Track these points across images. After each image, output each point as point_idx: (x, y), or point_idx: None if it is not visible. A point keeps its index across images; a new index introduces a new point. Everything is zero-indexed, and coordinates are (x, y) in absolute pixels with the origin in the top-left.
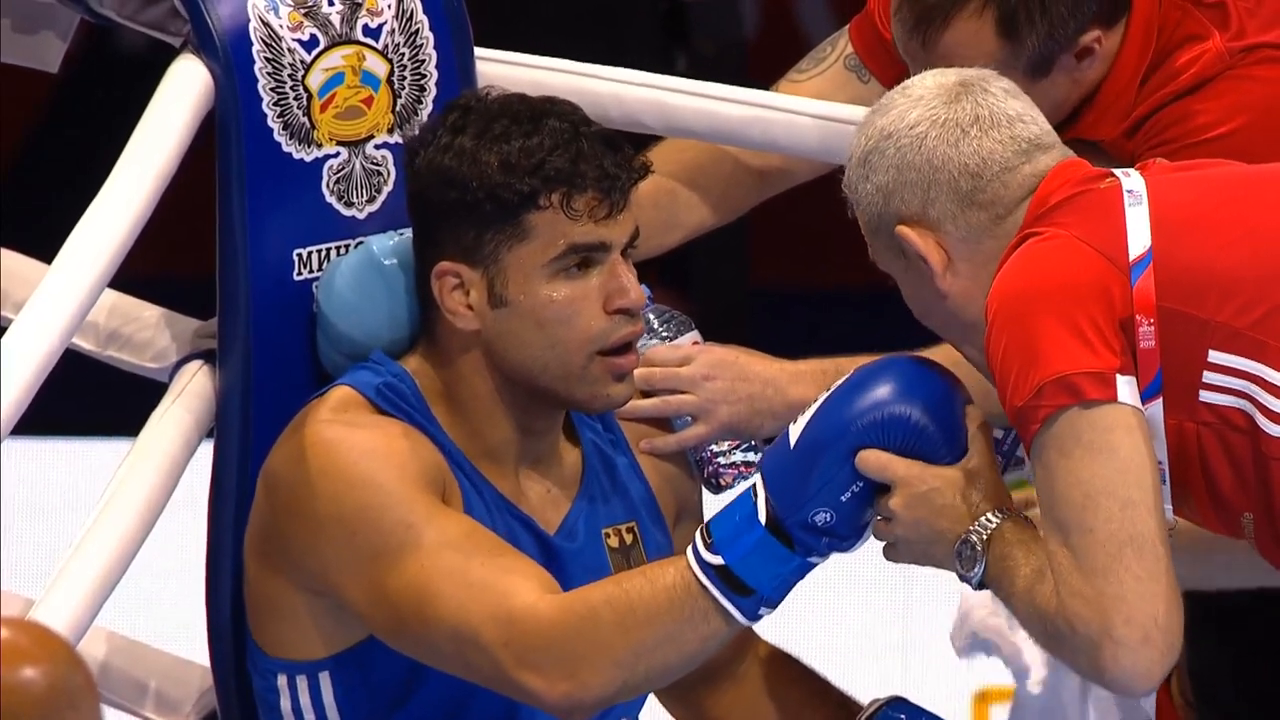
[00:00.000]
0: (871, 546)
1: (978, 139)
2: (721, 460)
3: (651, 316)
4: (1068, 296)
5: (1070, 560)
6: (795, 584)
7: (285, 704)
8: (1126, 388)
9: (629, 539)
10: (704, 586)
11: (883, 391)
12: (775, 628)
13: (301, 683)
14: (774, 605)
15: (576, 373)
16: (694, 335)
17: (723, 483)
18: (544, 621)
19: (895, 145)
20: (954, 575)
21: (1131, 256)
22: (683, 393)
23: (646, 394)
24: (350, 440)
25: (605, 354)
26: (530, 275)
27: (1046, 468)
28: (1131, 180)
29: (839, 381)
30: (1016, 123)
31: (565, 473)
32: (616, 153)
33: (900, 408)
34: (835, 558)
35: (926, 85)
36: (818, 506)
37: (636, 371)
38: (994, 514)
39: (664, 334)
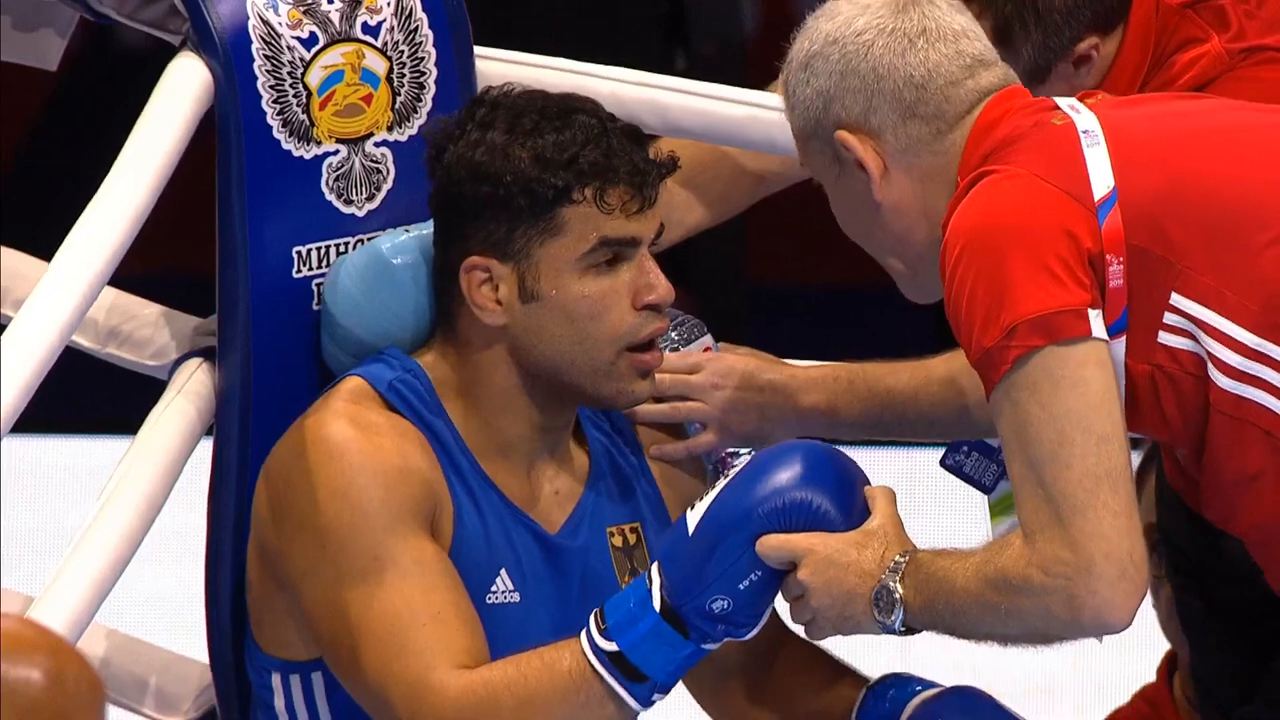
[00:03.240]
0: None
1: (924, 50)
2: (736, 462)
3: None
4: (1034, 234)
5: (1044, 505)
6: (688, 669)
7: (279, 702)
8: (1098, 322)
9: (632, 539)
10: (598, 672)
11: (783, 478)
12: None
13: (295, 682)
14: (667, 691)
15: (604, 368)
16: (706, 340)
17: None
18: (447, 701)
19: (840, 51)
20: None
21: (1097, 196)
22: (693, 400)
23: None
24: (347, 446)
25: (632, 350)
26: (562, 270)
27: (1016, 405)
28: (1084, 118)
29: (736, 469)
30: (962, 38)
31: (574, 473)
32: (644, 147)
33: (801, 493)
34: None
35: None
36: (716, 594)
37: None
38: (901, 555)
39: (676, 339)
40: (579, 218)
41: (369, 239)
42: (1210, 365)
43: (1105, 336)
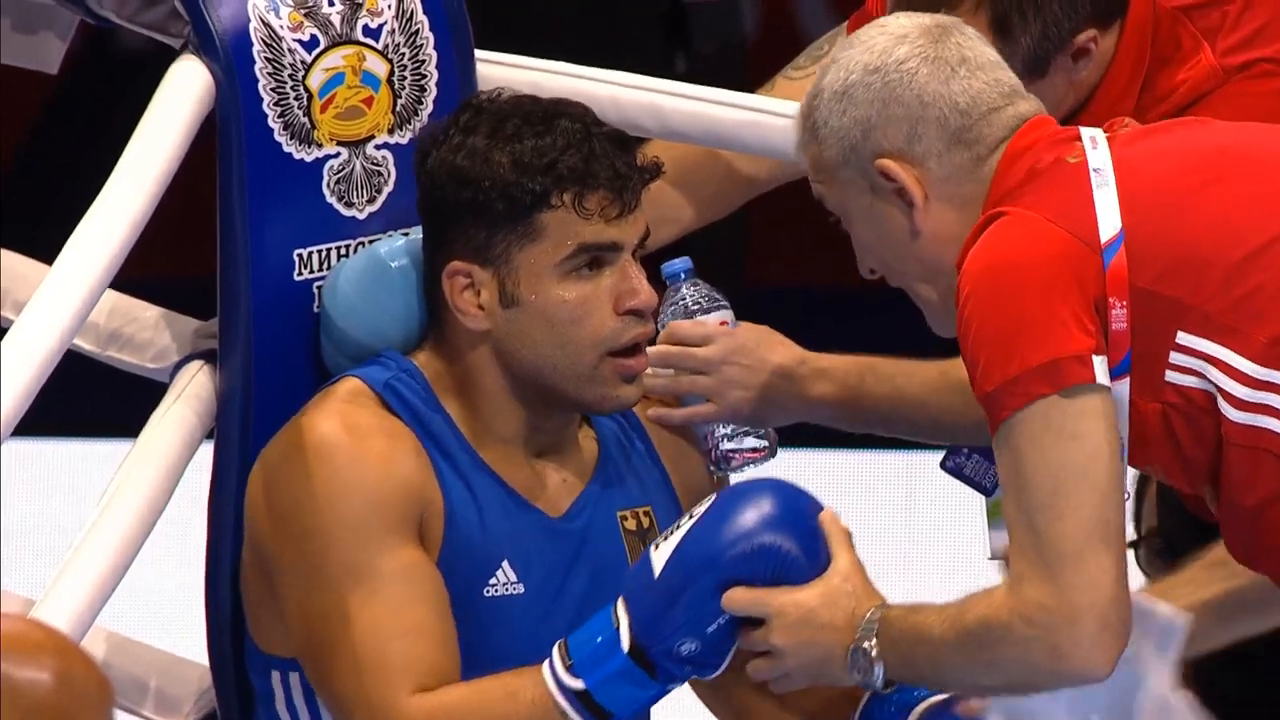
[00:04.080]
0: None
1: (966, 79)
2: (728, 445)
3: (685, 289)
4: (1042, 278)
5: (1032, 552)
6: (649, 707)
7: (280, 701)
8: (1101, 368)
9: (645, 522)
10: (560, 708)
11: (750, 520)
12: None
13: (294, 680)
14: None
15: (586, 373)
16: (724, 314)
17: (732, 464)
18: None
19: (883, 79)
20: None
21: (1104, 239)
22: (700, 372)
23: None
24: (336, 451)
25: (615, 355)
26: (541, 275)
27: (1015, 452)
28: (1098, 154)
29: (702, 508)
30: (998, 68)
31: (582, 460)
32: (627, 152)
33: (769, 537)
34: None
35: (905, 24)
36: (684, 637)
37: (656, 348)
38: (874, 610)
39: (693, 308)
40: (558, 223)
41: (370, 242)
42: (1220, 400)
43: (1108, 383)
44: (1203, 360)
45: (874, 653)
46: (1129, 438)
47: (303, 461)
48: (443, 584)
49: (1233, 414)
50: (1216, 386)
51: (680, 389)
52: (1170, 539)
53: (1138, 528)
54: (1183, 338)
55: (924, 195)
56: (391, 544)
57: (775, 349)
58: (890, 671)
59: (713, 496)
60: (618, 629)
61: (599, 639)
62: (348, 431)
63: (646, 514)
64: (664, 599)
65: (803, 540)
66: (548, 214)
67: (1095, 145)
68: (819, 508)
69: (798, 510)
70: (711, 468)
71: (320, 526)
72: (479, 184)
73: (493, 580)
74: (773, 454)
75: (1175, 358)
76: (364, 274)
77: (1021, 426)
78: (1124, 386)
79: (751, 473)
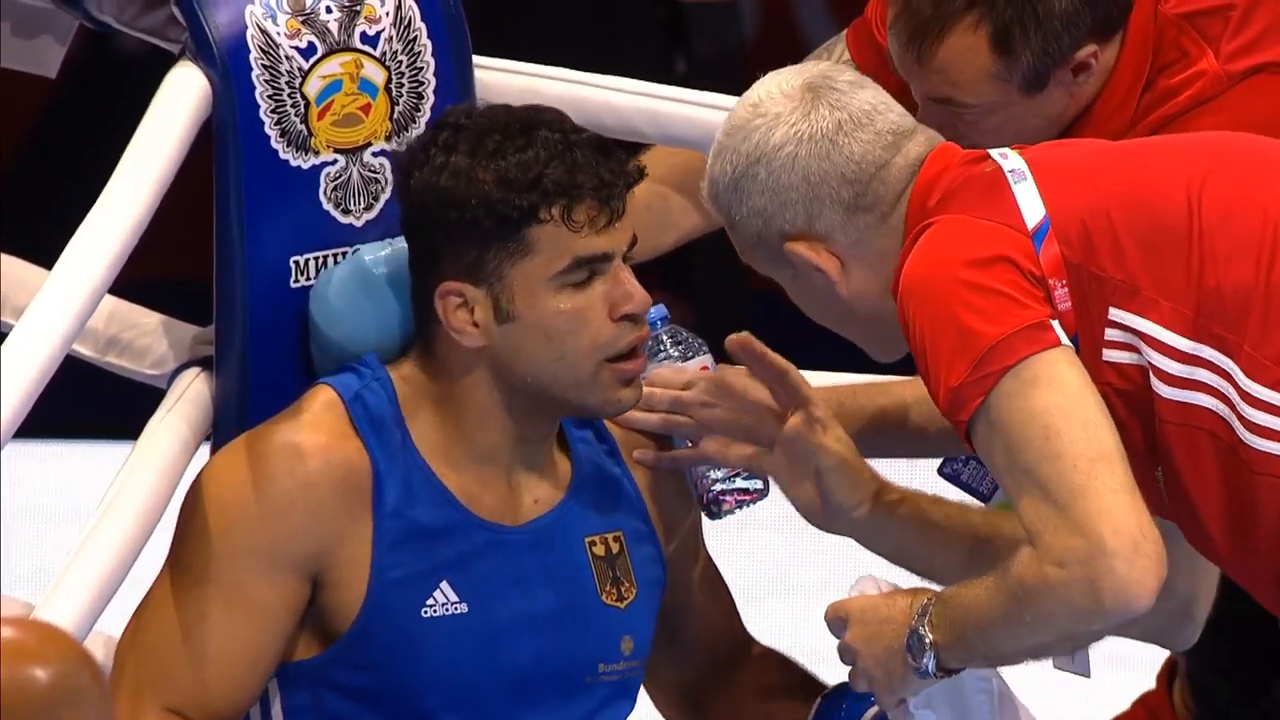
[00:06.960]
0: None
1: (846, 145)
2: (720, 487)
3: (665, 336)
4: (978, 267)
5: (1043, 503)
6: None
7: (255, 711)
8: (1061, 332)
9: (615, 548)
10: None
11: None
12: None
13: (272, 686)
14: None
15: (586, 381)
16: (705, 359)
17: (724, 509)
18: None
19: (766, 169)
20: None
21: (1030, 226)
22: (683, 415)
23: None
24: (261, 465)
25: (612, 360)
26: (535, 289)
27: (998, 420)
28: (1010, 160)
29: (728, 506)
30: (875, 116)
31: (555, 481)
32: (609, 158)
33: None
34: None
35: (774, 97)
36: None
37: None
38: (929, 599)
39: (675, 354)
40: (548, 237)
41: None
42: (1152, 376)
43: (1070, 345)
44: (1133, 335)
45: (927, 638)
46: None
47: (230, 463)
48: (274, 639)
49: (1165, 391)
50: (1148, 362)
51: (665, 428)
52: None
53: None
54: (1114, 313)
55: (839, 265)
56: (250, 574)
57: (755, 388)
58: (944, 654)
59: None
60: None
61: None
62: (282, 453)
63: (616, 539)
64: None
65: None
66: (537, 229)
67: (1006, 156)
68: None
69: None
70: (704, 512)
71: (200, 523)
72: (466, 204)
73: (430, 601)
74: (764, 495)
75: (1110, 334)
76: (349, 282)
77: (997, 399)
78: None
79: (743, 514)
